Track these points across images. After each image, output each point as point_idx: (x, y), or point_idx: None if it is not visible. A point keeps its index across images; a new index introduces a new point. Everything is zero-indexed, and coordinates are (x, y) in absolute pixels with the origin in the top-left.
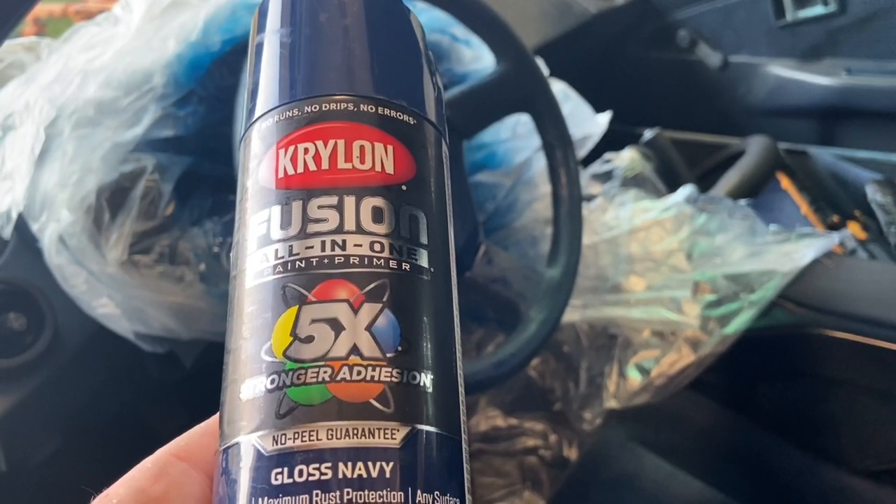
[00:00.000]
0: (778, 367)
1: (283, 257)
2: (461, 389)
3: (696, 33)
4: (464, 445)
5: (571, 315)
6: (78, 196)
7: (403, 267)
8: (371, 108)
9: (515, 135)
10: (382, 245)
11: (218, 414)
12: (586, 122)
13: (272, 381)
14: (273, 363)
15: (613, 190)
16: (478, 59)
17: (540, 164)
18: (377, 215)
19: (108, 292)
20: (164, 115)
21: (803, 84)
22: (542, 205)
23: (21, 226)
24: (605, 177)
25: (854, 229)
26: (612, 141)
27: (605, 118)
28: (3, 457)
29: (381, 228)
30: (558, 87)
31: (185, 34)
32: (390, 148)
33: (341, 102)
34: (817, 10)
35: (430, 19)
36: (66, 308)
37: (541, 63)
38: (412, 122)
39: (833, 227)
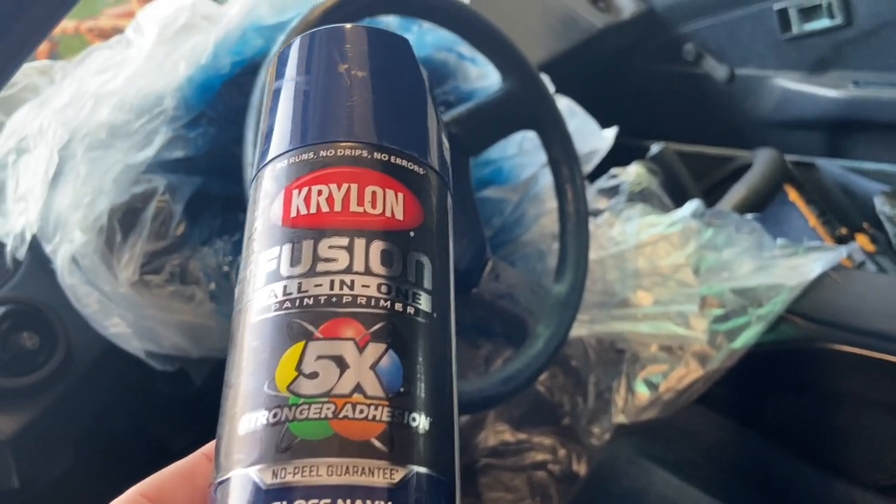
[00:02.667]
0: (786, 382)
1: (290, 293)
2: (456, 433)
3: (702, 47)
4: (457, 490)
5: (579, 330)
6: (90, 217)
7: (408, 310)
8: (384, 157)
9: (522, 151)
10: (389, 287)
11: (192, 456)
12: (592, 138)
13: (274, 415)
14: (276, 397)
15: (620, 205)
16: (484, 76)
17: (546, 179)
18: (386, 258)
19: (120, 312)
20: (175, 136)
21: (810, 96)
22: (548, 220)
23: (34, 246)
24: (612, 192)
25: (862, 242)
26: (618, 155)
27: (611, 133)
28: (16, 474)
29: (389, 271)
30: (564, 104)
31: (195, 57)
32: (400, 195)
33: (355, 149)
34: (823, 22)
35: (436, 38)
36: (78, 327)
37: (546, 80)
38: (421, 173)
39: (841, 240)
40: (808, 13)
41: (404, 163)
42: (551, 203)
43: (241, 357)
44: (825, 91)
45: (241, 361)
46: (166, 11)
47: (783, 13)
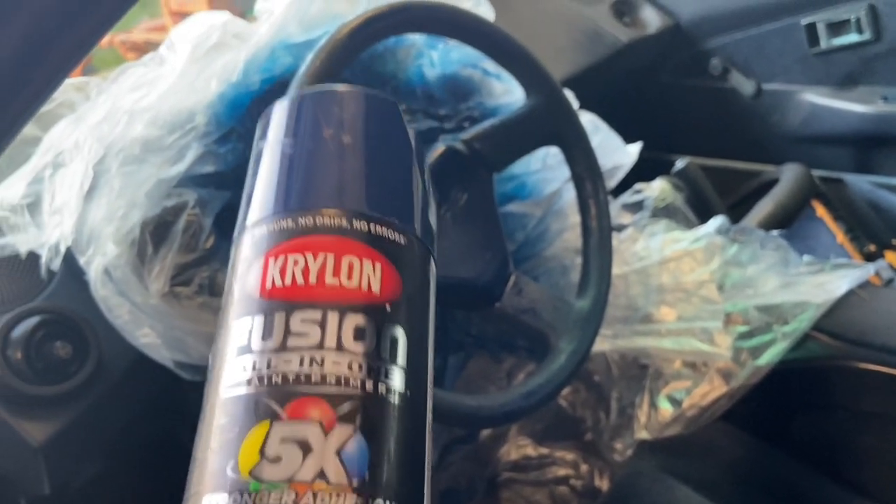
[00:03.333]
0: (812, 400)
1: (260, 370)
2: None
3: (729, 61)
4: None
5: (602, 344)
6: (123, 230)
7: (380, 389)
8: (363, 226)
9: (546, 166)
10: (360, 365)
11: None
12: (616, 153)
13: (234, 501)
14: (237, 481)
15: (644, 220)
16: (508, 92)
17: (570, 194)
18: (359, 334)
19: (150, 322)
20: (206, 152)
21: (838, 111)
22: (572, 235)
23: (68, 258)
24: (636, 207)
25: (891, 259)
26: (643, 170)
27: (635, 149)
28: (47, 481)
29: (361, 348)
30: (588, 119)
31: (226, 75)
32: (378, 266)
33: (334, 217)
34: (852, 37)
35: (462, 55)
36: (110, 338)
37: (570, 95)
38: (402, 242)
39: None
40: (836, 28)
41: (385, 231)
42: (575, 218)
43: (208, 432)
44: (853, 106)
45: (209, 437)
46: (199, 30)
47: (811, 28)
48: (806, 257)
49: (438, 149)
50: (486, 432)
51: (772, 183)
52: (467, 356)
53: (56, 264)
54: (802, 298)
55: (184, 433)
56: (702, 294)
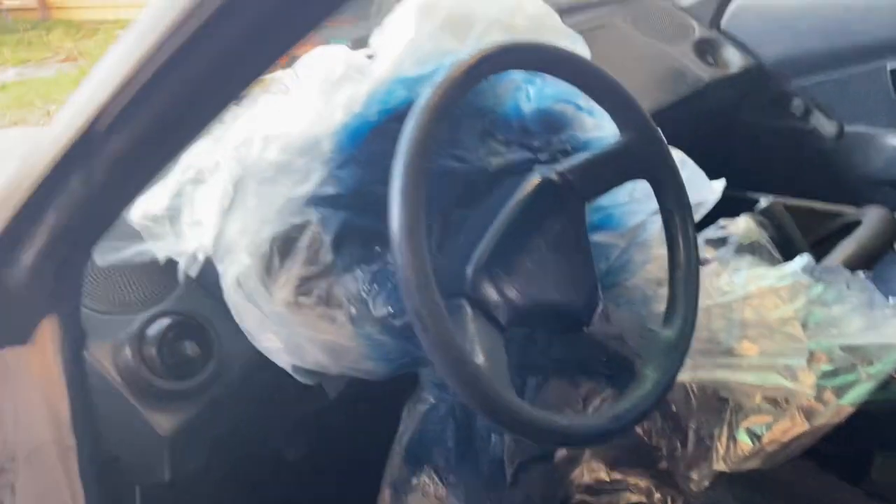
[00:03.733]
0: (894, 442)
1: None
2: None
3: (811, 102)
4: None
5: (682, 375)
6: (256, 243)
7: None
8: None
9: (632, 199)
10: None
11: None
12: (701, 189)
13: None
14: None
15: (728, 256)
16: (599, 127)
17: (654, 226)
18: None
19: (274, 328)
20: (329, 175)
21: None
22: (654, 266)
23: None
24: (719, 242)
25: None
26: (723, 206)
27: (719, 185)
28: (168, 469)
29: None
30: (677, 155)
31: (350, 106)
32: None
33: None
34: None
35: (556, 91)
36: (230, 340)
37: None
38: None
39: None
40: None
41: None
42: (658, 250)
43: None
44: None
45: None
46: (324, 63)
47: None
48: (892, 299)
49: (534, 179)
50: (560, 453)
51: (853, 224)
52: (545, 379)
53: (195, 271)
54: (888, 340)
55: (278, 435)
56: (786, 331)
